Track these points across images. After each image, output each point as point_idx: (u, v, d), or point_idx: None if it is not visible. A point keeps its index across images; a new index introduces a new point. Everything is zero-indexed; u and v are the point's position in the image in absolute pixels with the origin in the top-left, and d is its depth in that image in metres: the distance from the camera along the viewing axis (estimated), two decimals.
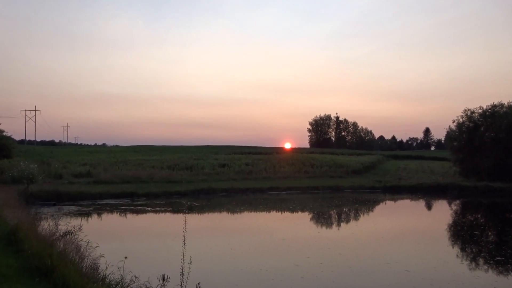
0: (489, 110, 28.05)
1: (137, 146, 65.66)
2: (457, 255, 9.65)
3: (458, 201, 21.38)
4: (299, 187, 24.39)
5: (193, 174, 26.93)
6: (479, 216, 16.90)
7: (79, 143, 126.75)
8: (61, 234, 7.74)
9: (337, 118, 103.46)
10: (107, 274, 5.65)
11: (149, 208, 17.08)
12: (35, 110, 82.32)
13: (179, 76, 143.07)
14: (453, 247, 10.70)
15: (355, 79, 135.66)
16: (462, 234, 12.77)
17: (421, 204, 20.73)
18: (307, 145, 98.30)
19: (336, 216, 16.82)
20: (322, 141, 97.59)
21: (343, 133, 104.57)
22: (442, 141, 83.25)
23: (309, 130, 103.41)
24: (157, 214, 16.03)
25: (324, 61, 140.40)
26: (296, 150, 52.58)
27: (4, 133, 35.85)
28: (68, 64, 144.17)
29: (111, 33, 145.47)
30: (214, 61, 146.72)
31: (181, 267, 4.98)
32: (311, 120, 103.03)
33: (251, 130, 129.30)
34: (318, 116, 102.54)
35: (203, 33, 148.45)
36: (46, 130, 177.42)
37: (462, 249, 10.52)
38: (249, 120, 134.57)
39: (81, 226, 8.74)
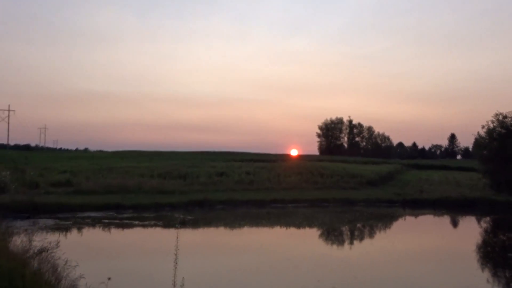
0: None
1: (124, 151, 66.07)
2: (487, 280, 9.61)
3: (488, 218, 21.35)
4: (307, 199, 24.43)
5: (187, 184, 27.04)
6: None
7: (58, 147, 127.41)
8: (36, 251, 7.72)
9: (350, 121, 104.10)
10: None
11: (136, 222, 17.14)
12: (9, 110, 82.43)
13: (172, 74, 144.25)
14: (483, 271, 10.74)
15: (370, 78, 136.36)
16: (494, 256, 12.81)
17: (445, 220, 20.76)
18: (316, 152, 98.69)
19: (349, 233, 16.79)
20: (333, 148, 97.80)
21: (356, 139, 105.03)
22: (470, 150, 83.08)
23: (319, 135, 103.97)
24: (146, 228, 16.09)
25: (336, 57, 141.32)
26: (303, 158, 52.59)
27: None
28: (46, 58, 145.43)
29: (96, 25, 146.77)
30: (212, 57, 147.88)
31: None
32: (321, 124, 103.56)
33: (253, 135, 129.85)
34: (328, 119, 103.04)
35: (199, 26, 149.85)
36: (21, 132, 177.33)
37: (494, 274, 10.51)
38: (251, 123, 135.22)
39: (58, 243, 8.73)
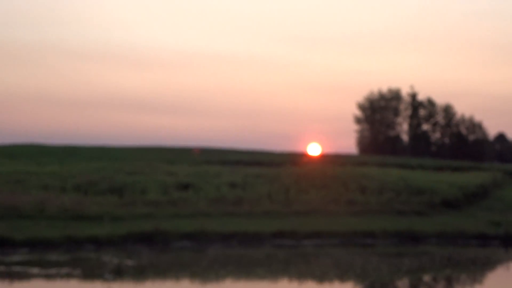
0: None
1: (13, 146, 64.83)
2: None
3: None
4: (337, 232, 24.44)
5: (124, 204, 27.12)
6: None
7: None
8: None
9: (414, 96, 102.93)
10: None
11: (35, 271, 17.07)
12: None
13: (100, 11, 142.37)
14: None
15: (448, 20, 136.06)
16: None
17: None
18: (353, 149, 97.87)
19: None
20: (384, 142, 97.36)
21: (424, 127, 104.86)
22: None
23: (358, 120, 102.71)
24: (52, 282, 15.95)
25: None
26: (331, 159, 51.64)
27: None
28: None
29: None
30: None
31: None
32: (362, 100, 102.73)
33: (243, 118, 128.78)
34: (376, 91, 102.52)
35: None
36: None
37: None
38: (240, 98, 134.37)
39: None
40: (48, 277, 16.54)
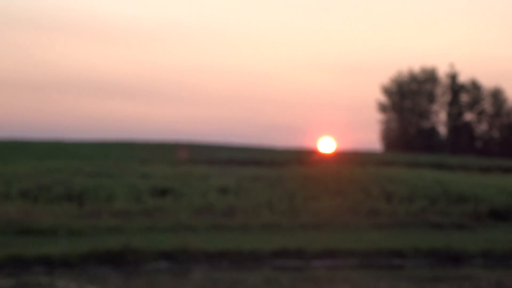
0: None
1: None
2: None
3: None
4: (356, 250, 24.18)
5: (85, 214, 27.15)
6: None
7: None
8: None
9: (453, 77, 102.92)
10: None
11: None
12: None
13: None
14: None
15: None
16: None
17: None
18: (376, 145, 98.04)
19: None
20: (415, 136, 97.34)
21: (467, 117, 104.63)
22: None
23: (383, 108, 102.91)
24: None
25: None
26: (348, 157, 52.33)
27: None
28: None
29: None
30: None
31: None
32: (387, 82, 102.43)
33: (236, 105, 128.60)
34: (405, 72, 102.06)
35: None
36: None
37: None
38: (233, 80, 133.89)
39: None
40: None
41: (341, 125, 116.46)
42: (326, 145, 65.10)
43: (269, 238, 25.17)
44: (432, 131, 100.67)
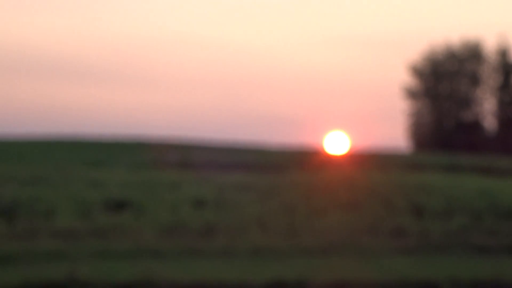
0: None
1: None
2: None
3: None
4: (376, 282, 21.72)
5: (17, 234, 25.97)
6: None
7: None
8: None
9: (504, 53, 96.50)
10: None
11: None
12: None
13: None
14: None
15: None
16: None
17: None
18: (402, 143, 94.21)
19: None
20: (454, 131, 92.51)
21: None
22: None
23: (411, 94, 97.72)
24: None
25: None
26: (365, 159, 51.28)
27: None
28: None
29: None
30: None
31: None
32: (417, 60, 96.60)
33: (217, 91, 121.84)
34: (441, 45, 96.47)
35: None
36: None
37: None
38: (213, 60, 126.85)
39: None
40: None
41: (356, 116, 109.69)
42: (336, 144, 62.84)
43: (260, 266, 23.17)
44: (476, 125, 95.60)
